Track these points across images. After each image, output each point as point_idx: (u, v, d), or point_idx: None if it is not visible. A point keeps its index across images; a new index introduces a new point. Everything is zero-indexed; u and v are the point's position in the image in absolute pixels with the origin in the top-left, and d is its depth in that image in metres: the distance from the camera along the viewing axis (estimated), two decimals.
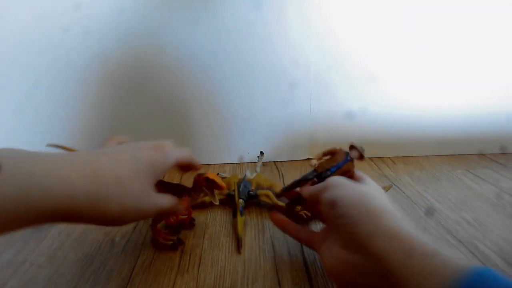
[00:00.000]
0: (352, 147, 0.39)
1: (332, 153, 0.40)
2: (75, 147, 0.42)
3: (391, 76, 0.62)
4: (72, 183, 0.25)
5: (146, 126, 0.61)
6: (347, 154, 0.38)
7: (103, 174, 0.27)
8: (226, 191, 0.49)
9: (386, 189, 0.48)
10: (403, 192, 0.53)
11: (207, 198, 0.49)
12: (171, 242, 0.40)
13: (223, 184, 0.38)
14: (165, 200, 0.33)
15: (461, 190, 0.54)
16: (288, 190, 0.41)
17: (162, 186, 0.40)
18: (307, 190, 0.36)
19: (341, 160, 0.38)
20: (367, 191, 0.31)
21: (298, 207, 0.45)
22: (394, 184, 0.55)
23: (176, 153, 0.34)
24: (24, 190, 0.22)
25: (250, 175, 0.53)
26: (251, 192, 0.49)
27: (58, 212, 0.24)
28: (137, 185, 0.29)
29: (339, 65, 0.61)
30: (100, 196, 0.26)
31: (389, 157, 0.67)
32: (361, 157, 0.38)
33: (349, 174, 0.37)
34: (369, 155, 0.67)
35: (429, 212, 0.47)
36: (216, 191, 0.39)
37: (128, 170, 0.29)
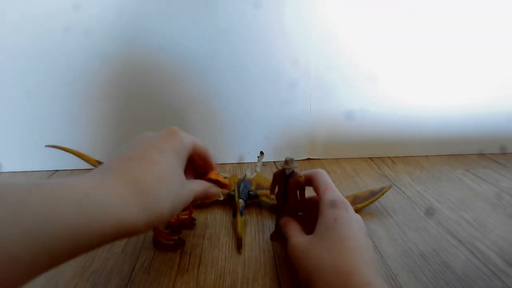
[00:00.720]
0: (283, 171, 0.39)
1: (275, 182, 0.40)
2: (75, 147, 0.42)
3: (391, 76, 0.62)
4: (124, 200, 0.24)
5: (145, 126, 0.61)
6: (285, 176, 0.38)
7: (143, 182, 0.26)
8: (226, 191, 0.49)
9: (386, 189, 0.48)
10: (403, 192, 0.53)
11: None
12: (172, 242, 0.40)
13: (226, 181, 0.38)
14: (197, 185, 0.33)
15: (461, 190, 0.54)
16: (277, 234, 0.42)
17: None
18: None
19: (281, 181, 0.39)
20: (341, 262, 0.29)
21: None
22: (394, 184, 0.55)
23: (189, 137, 0.34)
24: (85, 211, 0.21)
25: (250, 175, 0.53)
26: (251, 192, 0.49)
27: (117, 232, 0.23)
28: (175, 178, 0.29)
29: (339, 65, 0.61)
30: (150, 205, 0.26)
31: (389, 157, 0.67)
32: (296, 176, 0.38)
33: (295, 184, 0.38)
34: (369, 155, 0.67)
35: (429, 212, 0.47)
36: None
37: (162, 169, 0.28)
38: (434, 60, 0.61)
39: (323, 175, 0.38)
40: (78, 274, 0.36)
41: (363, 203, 0.47)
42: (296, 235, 0.35)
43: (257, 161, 0.62)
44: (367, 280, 0.27)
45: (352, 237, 0.31)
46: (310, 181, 0.38)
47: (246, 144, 0.64)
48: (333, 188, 0.36)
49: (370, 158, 0.67)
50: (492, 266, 0.37)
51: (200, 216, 0.47)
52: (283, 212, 0.41)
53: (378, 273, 0.28)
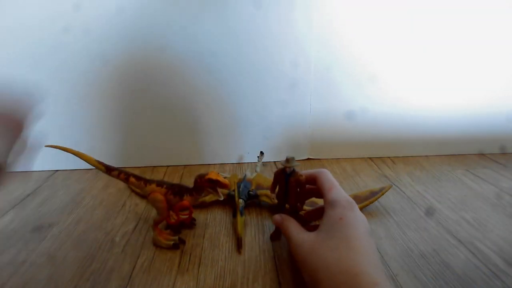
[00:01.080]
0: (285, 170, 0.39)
1: (275, 181, 0.40)
2: (75, 147, 0.42)
3: (391, 76, 0.62)
4: None
5: (146, 127, 0.61)
6: (286, 175, 0.39)
7: None
8: (226, 191, 0.49)
9: (386, 189, 0.48)
10: (403, 192, 0.53)
11: (207, 198, 0.49)
12: (172, 242, 0.40)
13: (226, 182, 0.38)
14: None
15: (461, 190, 0.54)
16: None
17: (162, 186, 0.40)
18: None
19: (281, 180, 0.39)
20: (345, 259, 0.29)
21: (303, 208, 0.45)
22: (394, 184, 0.55)
23: None
24: None
25: (250, 175, 0.53)
26: (251, 192, 0.49)
27: None
28: None
29: (340, 65, 0.60)
30: None
31: (389, 157, 0.67)
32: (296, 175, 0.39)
33: (296, 183, 0.38)
34: (369, 155, 0.67)
35: (429, 212, 0.47)
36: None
37: None
38: (434, 60, 0.61)
39: (327, 174, 0.38)
40: (78, 274, 0.36)
41: (363, 203, 0.47)
42: (298, 231, 0.35)
43: (257, 161, 0.62)
44: (374, 280, 0.27)
45: (357, 237, 0.31)
46: (313, 180, 0.38)
47: (246, 144, 0.64)
48: (338, 187, 0.36)
49: (370, 158, 0.67)
50: (492, 266, 0.37)
51: (200, 216, 0.47)
52: (284, 212, 0.41)
53: (383, 273, 0.29)
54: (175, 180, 0.58)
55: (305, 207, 0.45)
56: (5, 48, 0.55)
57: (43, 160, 0.62)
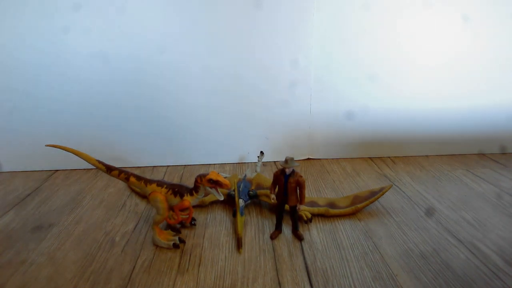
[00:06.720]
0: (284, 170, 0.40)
1: (275, 181, 0.41)
2: (75, 146, 0.42)
3: (391, 76, 0.62)
4: None
5: (146, 126, 0.61)
6: (285, 175, 0.39)
7: None
8: (226, 191, 0.49)
9: (386, 189, 0.48)
10: (403, 192, 0.53)
11: (207, 198, 0.49)
12: (172, 242, 0.40)
13: (227, 182, 0.38)
14: None
15: (461, 190, 0.54)
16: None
17: (163, 186, 0.40)
18: None
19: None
20: None
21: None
22: (394, 184, 0.55)
23: None
24: None
25: (250, 175, 0.53)
26: (251, 192, 0.49)
27: None
28: None
29: (339, 65, 0.60)
30: None
31: (389, 157, 0.67)
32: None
33: (295, 183, 0.39)
34: (369, 155, 0.67)
35: (429, 212, 0.47)
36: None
37: None
38: (435, 60, 0.61)
39: None
40: (78, 274, 0.36)
41: (363, 203, 0.47)
42: None
43: (257, 161, 0.62)
44: None
45: None
46: None
47: (246, 144, 0.64)
48: None
49: (370, 158, 0.67)
50: (492, 266, 0.37)
51: (200, 216, 0.47)
52: (284, 212, 0.41)
53: None
54: (175, 180, 0.58)
55: (304, 207, 0.46)
56: (5, 48, 0.55)
57: (43, 160, 0.62)
